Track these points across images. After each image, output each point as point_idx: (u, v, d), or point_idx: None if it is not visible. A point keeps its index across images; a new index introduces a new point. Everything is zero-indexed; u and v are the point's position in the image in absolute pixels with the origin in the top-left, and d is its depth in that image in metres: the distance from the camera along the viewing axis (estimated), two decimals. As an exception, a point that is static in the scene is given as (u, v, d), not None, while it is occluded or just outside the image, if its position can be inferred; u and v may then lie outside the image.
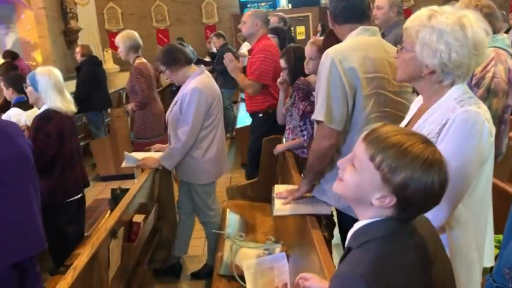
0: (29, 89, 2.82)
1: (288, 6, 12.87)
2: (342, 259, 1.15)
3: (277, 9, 12.78)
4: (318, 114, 1.98)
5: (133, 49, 4.25)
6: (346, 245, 1.17)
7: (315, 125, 2.15)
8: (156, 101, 4.43)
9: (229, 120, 7.39)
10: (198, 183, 3.10)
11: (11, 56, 6.86)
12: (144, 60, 4.35)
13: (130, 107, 4.36)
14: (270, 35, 5.16)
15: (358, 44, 2.03)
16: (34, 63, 9.73)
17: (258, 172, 3.66)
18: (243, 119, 6.56)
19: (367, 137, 1.07)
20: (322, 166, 2.10)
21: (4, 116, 3.56)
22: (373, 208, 1.07)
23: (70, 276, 1.77)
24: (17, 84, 3.57)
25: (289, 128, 3.14)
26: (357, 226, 1.13)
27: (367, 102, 1.98)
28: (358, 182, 1.08)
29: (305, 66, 2.87)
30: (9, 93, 3.69)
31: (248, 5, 13.80)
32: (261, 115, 3.79)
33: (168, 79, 3.23)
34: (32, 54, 10.36)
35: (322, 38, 2.88)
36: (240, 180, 5.26)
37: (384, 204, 1.04)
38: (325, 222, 2.31)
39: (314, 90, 2.81)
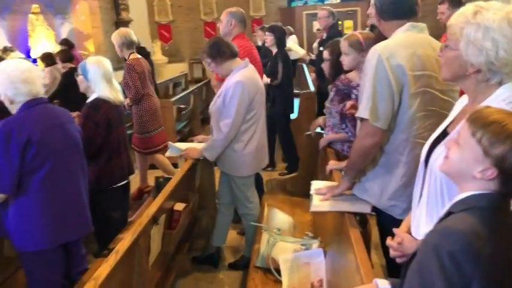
0: (79, 78, 2.94)
1: (336, 0, 12.68)
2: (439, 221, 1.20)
3: (326, 3, 12.62)
4: (363, 112, 1.95)
5: (125, 46, 4.34)
6: (447, 210, 1.21)
7: (358, 122, 2.12)
8: (150, 96, 4.42)
9: (272, 114, 7.39)
10: (238, 175, 3.14)
11: (68, 44, 7.14)
12: (138, 56, 4.41)
13: (126, 102, 4.34)
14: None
15: (406, 41, 1.98)
16: (86, 53, 10.10)
17: None
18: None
19: (470, 117, 1.16)
20: (364, 164, 2.08)
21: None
22: (476, 181, 1.15)
23: (112, 259, 1.84)
24: None
25: (328, 126, 3.12)
26: (460, 196, 1.19)
27: (414, 100, 1.93)
28: (461, 158, 1.17)
29: (341, 61, 2.85)
30: None
31: (296, -1, 13.71)
32: None
33: (213, 72, 3.27)
34: (84, 43, 10.75)
35: (356, 33, 2.85)
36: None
37: (485, 177, 1.13)
38: (358, 219, 2.28)
39: (355, 88, 2.78)
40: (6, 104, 2.32)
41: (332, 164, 2.73)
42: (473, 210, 1.13)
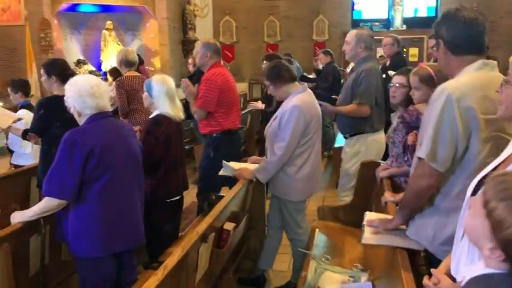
0: (144, 95, 3.07)
1: (402, 27, 12.48)
2: None
3: (391, 29, 12.46)
4: (421, 151, 1.87)
5: (123, 64, 4.72)
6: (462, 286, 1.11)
7: (414, 159, 2.05)
8: (138, 111, 4.57)
9: (329, 139, 7.34)
10: (289, 200, 3.13)
11: (139, 60, 7.49)
12: (134, 74, 4.69)
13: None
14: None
15: (477, 81, 1.85)
16: (153, 69, 10.55)
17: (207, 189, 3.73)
18: (342, 138, 6.47)
19: (491, 179, 1.01)
20: (417, 204, 1.99)
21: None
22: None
23: (161, 273, 1.88)
24: (25, 89, 4.35)
25: (392, 156, 3.04)
26: (476, 272, 1.05)
27: (485, 145, 1.81)
28: (472, 226, 1.03)
29: (411, 95, 2.78)
30: (17, 97, 4.34)
31: (361, 24, 13.62)
32: (208, 137, 3.96)
33: (271, 93, 3.31)
34: (152, 60, 11.24)
35: (426, 66, 2.76)
36: (334, 200, 5.19)
37: (493, 257, 0.97)
38: (423, 255, 2.18)
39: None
40: (75, 116, 2.46)
41: (387, 196, 2.65)
42: None
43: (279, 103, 5.06)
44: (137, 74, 4.77)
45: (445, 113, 1.80)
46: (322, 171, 3.46)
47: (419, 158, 1.91)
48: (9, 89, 4.42)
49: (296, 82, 3.17)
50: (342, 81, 8.49)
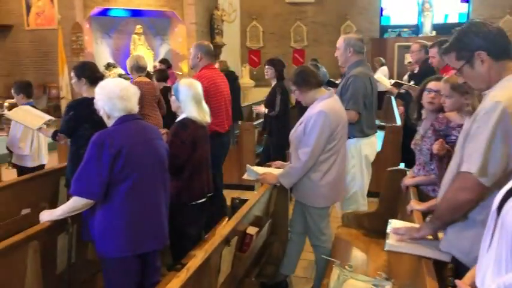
0: (172, 98, 3.11)
1: (431, 33, 12.29)
2: None
3: (420, 35, 12.29)
4: (470, 166, 1.78)
5: (134, 69, 4.98)
6: None
7: (449, 171, 1.99)
8: (148, 116, 4.71)
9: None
10: (313, 206, 3.11)
11: (167, 64, 7.62)
12: (144, 79, 4.82)
13: None
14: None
15: None
16: (180, 73, 10.68)
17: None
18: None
19: None
20: (453, 218, 1.93)
21: None
22: None
23: (183, 275, 1.90)
24: (28, 91, 4.44)
25: (419, 164, 3.00)
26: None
27: None
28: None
29: (442, 103, 2.73)
30: (19, 99, 4.43)
31: (389, 30, 13.51)
32: None
33: (297, 98, 3.31)
34: (179, 64, 11.39)
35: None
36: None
37: None
38: (451, 266, 2.13)
39: (454, 129, 2.65)
40: (104, 118, 2.51)
41: (413, 205, 2.60)
42: None
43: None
44: (147, 79, 4.89)
45: (500, 127, 1.73)
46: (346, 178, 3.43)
47: (462, 171, 1.83)
48: (12, 91, 4.56)
49: (322, 87, 3.16)
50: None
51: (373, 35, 13.23)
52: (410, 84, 4.37)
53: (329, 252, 3.14)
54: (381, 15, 13.52)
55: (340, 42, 3.83)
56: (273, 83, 5.39)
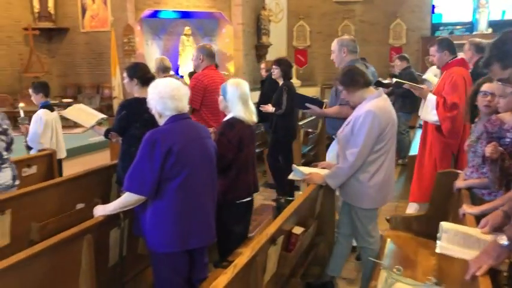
0: (220, 98, 3.16)
1: (487, 31, 11.77)
2: None
3: (475, 33, 11.80)
4: None
5: (161, 69, 5.20)
6: None
7: None
8: None
9: (403, 146, 7.10)
10: (360, 207, 3.06)
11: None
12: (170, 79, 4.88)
13: None
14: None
15: None
16: (227, 73, 10.81)
17: None
18: (418, 146, 6.22)
19: None
20: None
21: (34, 116, 4.58)
22: None
23: (230, 272, 1.92)
24: (46, 91, 4.68)
25: (472, 166, 2.89)
26: None
27: None
28: None
29: (496, 104, 2.61)
30: (38, 98, 4.68)
31: (441, 28, 13.07)
32: None
33: (344, 97, 3.27)
34: (226, 65, 11.52)
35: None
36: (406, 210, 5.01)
37: None
38: (507, 275, 2.03)
39: (508, 131, 2.54)
40: (156, 117, 2.59)
41: (466, 208, 2.51)
42: None
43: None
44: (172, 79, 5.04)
45: None
46: (395, 179, 3.36)
47: None
48: (30, 90, 4.81)
49: (371, 87, 3.11)
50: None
51: (424, 33, 12.85)
52: (411, 83, 4.33)
53: (377, 254, 3.09)
54: (433, 12, 13.10)
55: (333, 44, 4.01)
56: (280, 82, 5.49)
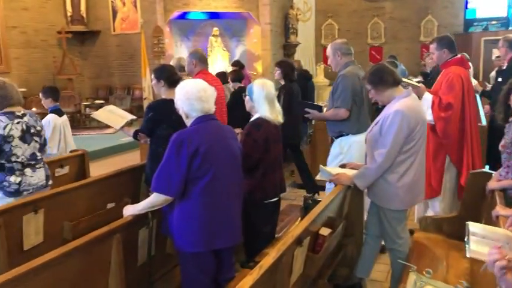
0: (246, 98, 3.16)
1: (523, 25, 11.38)
2: None
3: (510, 28, 11.44)
4: None
5: (178, 69, 5.00)
6: None
7: None
8: None
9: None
10: (389, 208, 3.01)
11: (239, 65, 7.77)
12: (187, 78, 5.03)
13: None
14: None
15: None
16: (255, 73, 10.83)
17: None
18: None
19: None
20: None
21: (43, 121, 4.50)
22: None
23: (256, 272, 1.92)
24: (55, 95, 4.80)
25: (508, 166, 2.80)
26: None
27: None
28: None
29: None
30: (47, 102, 4.80)
31: (475, 23, 12.72)
32: None
33: (373, 98, 3.22)
34: (254, 64, 11.55)
35: None
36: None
37: None
38: None
39: None
40: (183, 117, 2.62)
41: (499, 210, 2.44)
42: None
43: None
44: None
45: None
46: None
47: None
48: (40, 95, 4.94)
49: (400, 86, 3.05)
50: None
51: (456, 30, 12.53)
52: (412, 81, 4.32)
53: (406, 256, 3.03)
54: (466, 8, 12.76)
55: (328, 50, 4.14)
56: (282, 83, 5.55)
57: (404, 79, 4.38)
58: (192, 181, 2.45)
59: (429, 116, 3.83)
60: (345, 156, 3.93)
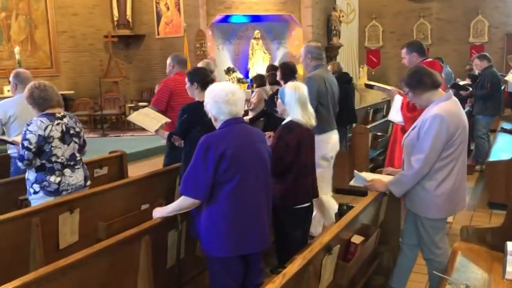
0: (278, 101, 3.12)
1: None
2: None
3: None
4: None
5: None
6: None
7: None
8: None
9: (482, 151, 6.63)
10: (427, 217, 2.87)
11: (274, 69, 7.72)
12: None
13: None
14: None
15: None
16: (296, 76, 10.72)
17: None
18: (498, 151, 5.78)
19: None
20: None
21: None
22: None
23: (278, 281, 1.86)
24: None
25: None
26: None
27: None
28: None
29: None
30: None
31: (529, 23, 12.09)
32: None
33: (410, 100, 3.08)
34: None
35: None
36: (483, 221, 4.66)
37: None
38: None
39: None
40: (212, 120, 2.60)
41: None
42: None
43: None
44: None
45: None
46: (468, 187, 3.11)
47: None
48: None
49: (440, 89, 2.90)
50: (503, 87, 7.60)
51: (509, 30, 11.95)
52: (380, 85, 4.42)
53: (444, 267, 2.87)
54: (519, 6, 12.15)
55: (301, 50, 4.41)
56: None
57: (373, 83, 4.47)
58: (219, 185, 2.43)
59: (399, 118, 3.97)
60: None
